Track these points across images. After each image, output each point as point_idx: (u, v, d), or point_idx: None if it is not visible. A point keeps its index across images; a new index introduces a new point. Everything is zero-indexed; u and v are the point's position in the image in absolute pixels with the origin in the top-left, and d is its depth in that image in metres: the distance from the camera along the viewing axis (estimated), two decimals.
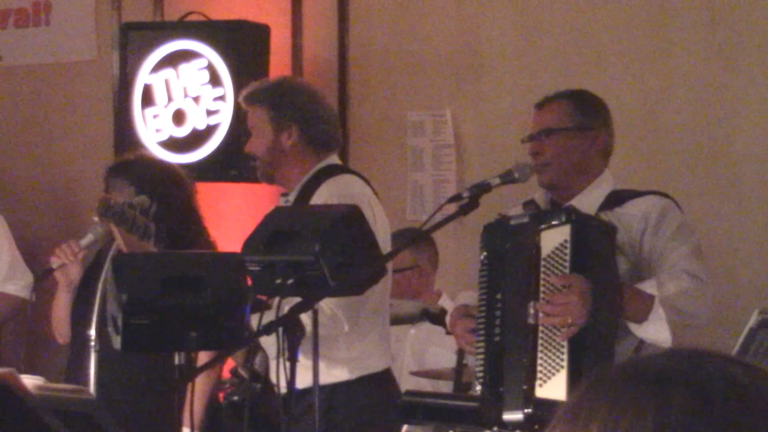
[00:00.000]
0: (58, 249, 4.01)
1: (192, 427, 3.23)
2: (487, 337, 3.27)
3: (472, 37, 5.56)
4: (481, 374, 3.25)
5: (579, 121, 3.55)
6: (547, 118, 3.58)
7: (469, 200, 3.27)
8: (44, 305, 4.63)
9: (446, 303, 5.17)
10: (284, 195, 4.03)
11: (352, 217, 3.22)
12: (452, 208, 3.42)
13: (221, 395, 4.80)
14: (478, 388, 3.24)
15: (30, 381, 2.97)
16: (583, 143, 3.53)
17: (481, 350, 3.28)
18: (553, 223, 3.25)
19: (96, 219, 3.60)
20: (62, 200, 6.29)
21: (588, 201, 3.49)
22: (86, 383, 3.71)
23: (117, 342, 3.03)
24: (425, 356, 5.27)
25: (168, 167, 4.28)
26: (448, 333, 4.39)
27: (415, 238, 4.46)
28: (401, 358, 5.06)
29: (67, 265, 3.97)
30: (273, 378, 3.78)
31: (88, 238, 3.83)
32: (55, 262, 3.98)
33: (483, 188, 3.33)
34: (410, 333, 5.28)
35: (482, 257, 3.40)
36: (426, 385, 4.85)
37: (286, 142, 3.93)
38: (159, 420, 4.01)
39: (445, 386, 4.65)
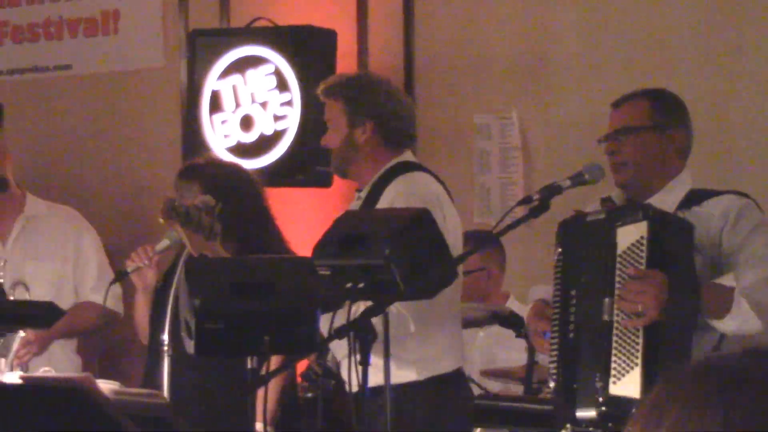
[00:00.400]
0: (133, 253, 4.05)
1: (265, 423, 3.25)
2: (561, 334, 3.26)
3: (538, 39, 5.54)
4: (554, 371, 3.24)
5: (657, 120, 3.53)
6: (624, 117, 3.56)
7: (540, 203, 3.26)
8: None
9: (514, 305, 5.16)
10: (358, 190, 4.04)
11: (422, 220, 3.21)
12: (521, 210, 3.42)
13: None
14: (552, 384, 3.24)
15: (106, 386, 3.02)
16: (660, 142, 3.51)
17: (555, 347, 3.27)
18: (630, 219, 3.23)
19: (161, 220, 3.64)
20: (131, 206, 6.35)
21: (666, 200, 3.46)
22: (161, 387, 3.74)
23: (190, 346, 3.06)
24: (495, 359, 5.26)
25: (237, 169, 4.31)
26: (518, 336, 4.39)
27: (487, 241, 4.45)
28: (470, 361, 5.06)
29: (142, 269, 4.01)
30: (344, 375, 3.81)
31: (163, 243, 3.86)
32: (130, 265, 4.02)
33: (553, 190, 3.32)
34: (479, 336, 5.27)
35: (557, 253, 3.39)
36: (495, 386, 4.85)
37: (360, 138, 3.94)
38: (231, 423, 4.04)
39: (516, 387, 4.65)
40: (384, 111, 3.96)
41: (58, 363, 4.47)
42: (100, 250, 4.68)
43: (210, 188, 4.05)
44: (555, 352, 3.27)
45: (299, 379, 4.32)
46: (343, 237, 3.20)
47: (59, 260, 4.60)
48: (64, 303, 4.58)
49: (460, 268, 3.76)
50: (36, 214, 4.66)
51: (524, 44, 5.56)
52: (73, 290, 4.62)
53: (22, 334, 3.42)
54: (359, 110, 3.94)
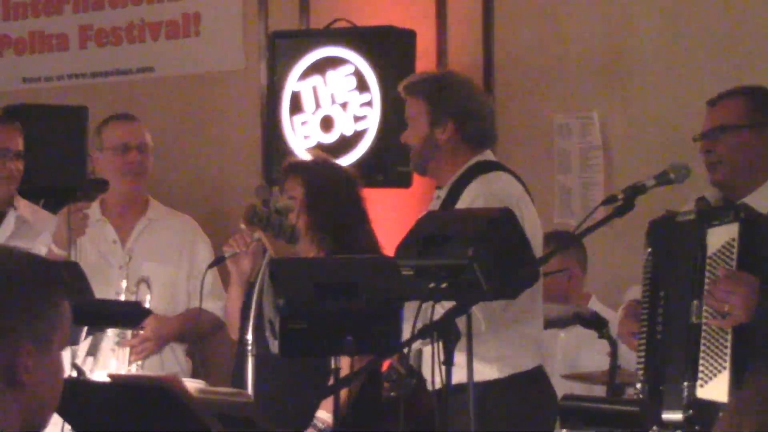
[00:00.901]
0: (231, 238, 4.07)
1: (336, 414, 3.25)
2: (649, 335, 3.24)
3: (618, 37, 5.50)
4: (641, 371, 3.22)
5: (754, 119, 3.49)
6: (720, 115, 3.52)
7: (624, 202, 3.23)
8: None
9: (596, 305, 5.13)
10: (438, 188, 4.04)
11: (505, 220, 3.21)
12: (603, 211, 3.39)
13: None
14: (638, 385, 3.21)
15: (192, 384, 3.05)
16: (757, 141, 3.47)
17: (642, 348, 3.25)
18: (721, 220, 3.20)
19: (243, 227, 3.66)
20: (212, 207, 6.40)
21: (762, 200, 3.42)
22: (246, 386, 3.77)
23: (275, 346, 3.08)
24: (577, 360, 5.23)
25: (338, 168, 4.34)
26: (600, 337, 4.36)
27: (569, 242, 4.43)
28: (551, 362, 5.03)
29: (239, 256, 4.03)
30: (424, 373, 3.81)
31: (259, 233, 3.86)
32: (227, 251, 4.03)
33: (638, 190, 3.29)
34: (560, 337, 5.25)
35: (647, 253, 3.36)
36: (578, 389, 4.82)
37: (440, 137, 3.94)
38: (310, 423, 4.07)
39: (599, 390, 4.61)
40: (465, 110, 3.95)
41: (171, 366, 4.53)
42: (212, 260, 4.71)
43: (311, 186, 4.08)
44: (642, 353, 3.24)
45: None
46: (426, 237, 3.21)
47: (174, 265, 4.65)
48: (179, 307, 4.66)
49: (541, 269, 3.74)
50: (157, 218, 4.72)
51: (605, 42, 5.52)
52: (187, 296, 4.68)
53: (110, 333, 3.47)
54: (440, 109, 3.94)
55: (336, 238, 4.04)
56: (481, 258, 3.09)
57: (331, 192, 4.10)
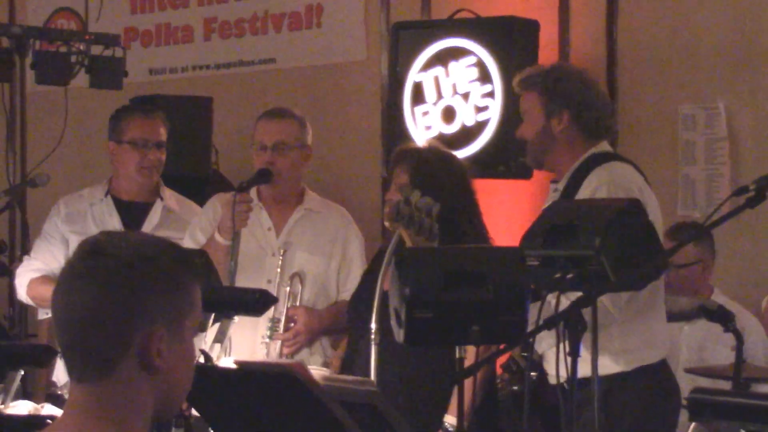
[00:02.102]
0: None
1: (461, 416, 3.24)
2: None
3: (747, 26, 5.39)
4: None
5: None
6: None
7: (756, 193, 3.17)
8: None
9: (719, 298, 5.05)
10: (554, 182, 4.02)
11: (632, 211, 3.17)
12: (729, 203, 3.33)
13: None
14: None
15: (317, 372, 3.07)
16: None
17: None
18: None
19: (387, 224, 3.66)
20: (334, 197, 6.43)
21: None
22: (359, 373, 3.78)
23: (400, 335, 3.08)
24: (703, 354, 5.15)
25: (449, 158, 4.31)
26: (725, 330, 4.28)
27: (700, 234, 4.36)
28: (676, 355, 4.97)
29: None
30: (547, 367, 3.79)
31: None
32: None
33: None
34: (684, 330, 5.18)
35: None
36: (702, 383, 4.74)
37: (556, 128, 3.94)
38: (434, 413, 4.07)
39: (723, 385, 4.53)
40: (580, 100, 3.94)
41: (317, 358, 4.57)
42: (362, 256, 4.74)
43: (418, 173, 4.07)
44: None
45: (500, 371, 4.31)
46: (552, 227, 3.18)
47: (327, 256, 4.67)
48: (329, 299, 4.69)
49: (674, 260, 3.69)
50: (312, 208, 4.75)
51: (733, 31, 5.42)
52: (336, 288, 4.70)
53: (236, 320, 3.51)
54: (555, 100, 3.93)
55: (444, 229, 4.02)
56: (608, 248, 3.06)
57: (436, 180, 4.08)
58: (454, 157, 4.37)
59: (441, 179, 4.13)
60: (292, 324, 4.54)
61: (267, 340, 4.52)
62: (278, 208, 4.69)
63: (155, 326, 1.96)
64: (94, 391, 1.96)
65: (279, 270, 4.57)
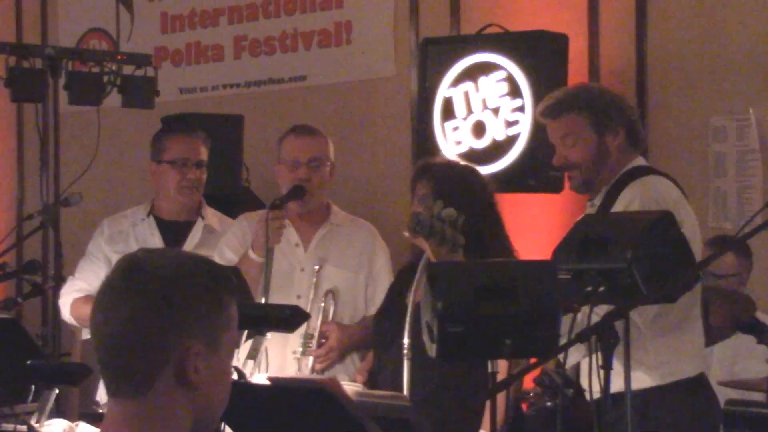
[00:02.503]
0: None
1: (494, 420, 3.24)
2: None
3: None
4: None
5: None
6: None
7: None
8: None
9: None
10: (590, 200, 4.00)
11: (664, 223, 3.16)
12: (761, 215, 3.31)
13: (524, 405, 4.81)
14: None
15: (350, 387, 3.07)
16: None
17: None
18: None
19: (406, 234, 3.67)
20: (363, 213, 6.44)
21: None
22: (383, 387, 3.78)
23: (432, 350, 3.08)
24: (733, 368, 5.13)
25: (471, 172, 4.31)
26: (759, 342, 4.26)
27: (734, 246, 4.34)
28: (708, 368, 4.94)
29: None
30: (583, 383, 3.77)
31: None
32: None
33: None
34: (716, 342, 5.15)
35: None
36: (735, 397, 4.72)
37: (612, 143, 3.90)
38: (467, 428, 4.06)
39: (758, 398, 4.51)
40: (630, 115, 3.93)
41: (350, 372, 4.59)
42: (390, 270, 4.75)
43: (441, 189, 4.07)
44: None
45: (531, 385, 4.31)
46: (583, 240, 3.18)
47: (354, 271, 4.69)
48: (358, 314, 4.70)
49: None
50: (338, 223, 4.77)
51: (764, 41, 5.40)
52: (364, 303, 4.72)
53: (269, 336, 3.52)
54: (606, 117, 3.89)
55: (468, 244, 4.01)
56: (639, 261, 3.06)
57: (458, 194, 4.07)
58: (475, 171, 4.37)
59: (463, 192, 4.12)
60: (323, 340, 4.56)
61: (299, 355, 4.53)
62: (304, 224, 4.71)
63: (192, 342, 1.97)
64: (132, 406, 1.97)
65: (314, 287, 4.58)
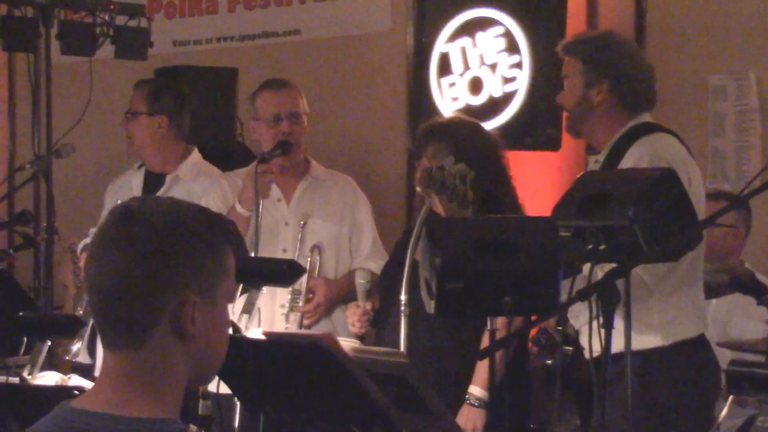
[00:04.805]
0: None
1: (494, 388, 3.23)
2: None
3: None
4: None
5: None
6: None
7: None
8: None
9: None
10: (592, 154, 3.97)
11: (667, 181, 3.12)
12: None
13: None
14: None
15: (346, 344, 3.04)
16: None
17: None
18: None
19: (418, 189, 3.64)
20: (359, 169, 6.40)
21: None
22: (390, 345, 3.76)
23: (431, 306, 3.05)
24: (727, 327, 5.11)
25: (480, 129, 4.29)
26: (759, 303, 4.23)
27: (739, 204, 4.30)
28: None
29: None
30: (582, 341, 3.74)
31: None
32: None
33: None
34: (711, 303, 5.12)
35: None
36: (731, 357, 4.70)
37: (595, 98, 3.88)
38: (464, 385, 4.04)
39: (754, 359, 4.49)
40: (621, 72, 3.87)
41: (341, 329, 4.57)
42: (372, 221, 4.76)
43: (460, 149, 4.02)
44: None
45: (529, 345, 4.28)
46: (584, 197, 3.14)
47: (338, 223, 4.70)
48: (343, 266, 4.71)
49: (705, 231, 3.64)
50: (319, 177, 4.77)
51: (764, 0, 5.34)
52: (349, 255, 4.71)
53: (264, 290, 3.49)
54: (596, 69, 3.87)
55: (481, 203, 3.99)
56: (641, 219, 3.01)
57: (469, 150, 4.05)
58: (482, 127, 4.36)
59: (474, 149, 4.10)
60: (310, 295, 4.55)
61: (287, 310, 4.53)
62: (284, 178, 4.71)
63: (188, 292, 1.92)
64: (128, 358, 1.93)
65: (299, 242, 4.56)
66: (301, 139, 4.71)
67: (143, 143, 5.09)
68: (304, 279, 4.51)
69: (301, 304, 4.55)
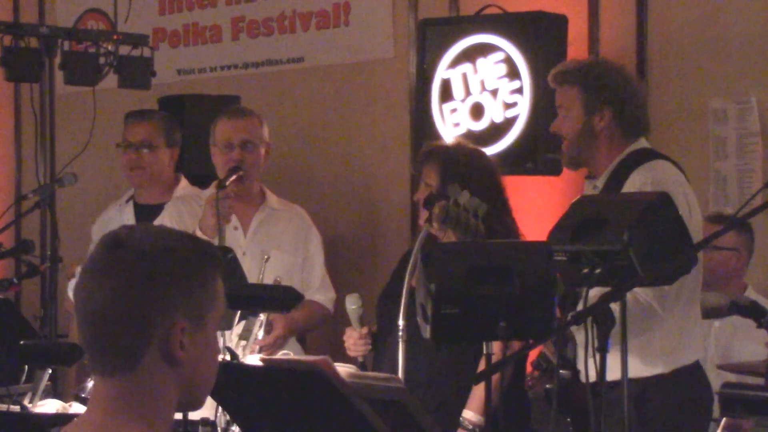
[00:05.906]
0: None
1: (490, 413, 3.22)
2: None
3: None
4: None
5: None
6: None
7: None
8: None
9: (752, 295, 4.99)
10: (590, 179, 3.97)
11: (661, 205, 3.13)
12: (760, 197, 3.29)
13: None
14: None
15: (343, 369, 3.05)
16: None
17: None
18: None
19: (435, 226, 3.62)
20: (361, 196, 6.43)
21: None
22: (387, 371, 3.78)
23: (426, 331, 3.06)
24: (729, 351, 5.10)
25: (479, 155, 4.30)
26: (759, 326, 4.23)
27: (739, 224, 4.30)
28: (706, 351, 4.92)
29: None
30: (580, 366, 3.75)
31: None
32: None
33: None
34: (714, 326, 5.13)
35: None
36: (731, 380, 4.70)
37: (597, 125, 3.88)
38: (460, 410, 4.04)
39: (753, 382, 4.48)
40: (622, 97, 3.89)
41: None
42: (322, 253, 4.85)
43: (449, 172, 4.04)
44: None
45: (529, 369, 4.28)
46: (580, 222, 3.15)
47: (292, 254, 4.75)
48: None
49: (701, 255, 3.64)
50: (274, 207, 4.82)
51: (765, 24, 5.35)
52: (300, 286, 4.74)
53: (262, 317, 3.50)
54: (597, 96, 3.87)
55: (486, 235, 3.98)
56: (636, 243, 3.02)
57: (466, 178, 4.05)
58: (483, 154, 4.36)
59: (471, 177, 4.10)
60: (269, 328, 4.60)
61: (243, 342, 4.54)
62: (240, 206, 4.76)
63: (177, 318, 1.94)
64: (118, 384, 1.95)
65: (262, 275, 4.57)
66: (253, 169, 4.75)
67: (160, 174, 5.12)
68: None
69: (260, 336, 4.55)
